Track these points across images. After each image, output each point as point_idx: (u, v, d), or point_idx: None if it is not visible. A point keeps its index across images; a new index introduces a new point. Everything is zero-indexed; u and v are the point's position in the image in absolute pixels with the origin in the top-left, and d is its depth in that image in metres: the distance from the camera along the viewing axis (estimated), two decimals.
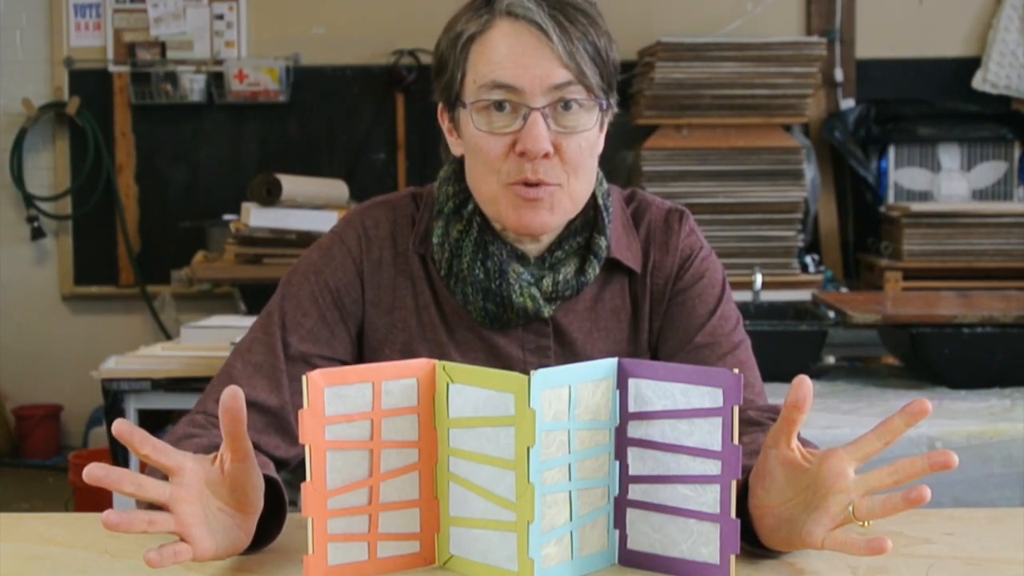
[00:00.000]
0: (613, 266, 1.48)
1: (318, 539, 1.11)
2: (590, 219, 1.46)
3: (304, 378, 1.10)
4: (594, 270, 1.44)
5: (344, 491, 1.13)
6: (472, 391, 1.12)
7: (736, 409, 1.09)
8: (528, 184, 1.36)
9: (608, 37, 1.37)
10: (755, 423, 1.40)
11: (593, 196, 1.46)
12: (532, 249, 1.45)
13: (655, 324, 1.49)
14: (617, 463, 1.16)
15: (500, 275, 1.41)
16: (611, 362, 1.15)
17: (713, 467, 1.11)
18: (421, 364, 1.16)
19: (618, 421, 1.16)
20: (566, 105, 1.34)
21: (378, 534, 1.15)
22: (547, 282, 1.43)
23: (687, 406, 1.12)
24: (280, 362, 1.42)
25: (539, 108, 1.33)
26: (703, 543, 1.13)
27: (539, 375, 1.06)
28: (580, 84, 1.34)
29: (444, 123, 1.46)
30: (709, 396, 1.11)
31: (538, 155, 1.34)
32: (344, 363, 1.45)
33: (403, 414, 1.15)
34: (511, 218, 1.38)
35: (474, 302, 1.43)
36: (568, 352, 1.46)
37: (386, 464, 1.15)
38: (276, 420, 1.40)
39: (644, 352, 1.49)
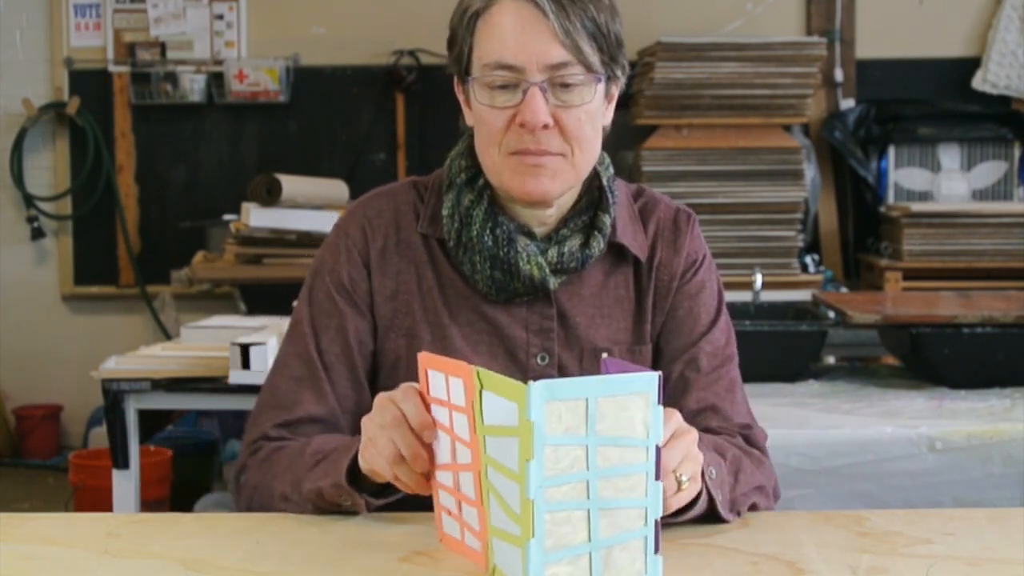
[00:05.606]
0: (619, 255, 1.51)
1: (436, 504, 1.20)
2: (595, 199, 1.50)
3: (419, 357, 1.17)
4: (598, 244, 1.47)
5: (442, 468, 1.17)
6: (496, 399, 1.07)
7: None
8: (530, 153, 1.39)
9: (610, 11, 1.41)
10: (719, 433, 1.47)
11: (598, 177, 1.50)
12: (539, 230, 1.48)
13: (657, 318, 1.52)
14: (660, 484, 1.08)
15: (508, 243, 1.45)
16: (651, 376, 1.06)
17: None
18: (468, 366, 1.11)
19: (660, 439, 1.07)
20: (562, 83, 1.38)
21: (463, 520, 1.15)
22: (553, 252, 1.46)
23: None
24: (319, 370, 1.47)
25: (537, 83, 1.37)
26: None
27: (539, 386, 1.01)
28: (577, 62, 1.38)
29: (459, 94, 1.49)
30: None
31: (536, 127, 1.38)
32: (374, 352, 1.50)
33: (460, 412, 1.13)
34: (514, 185, 1.42)
35: (481, 271, 1.46)
36: (571, 336, 1.48)
37: (460, 456, 1.14)
38: (328, 427, 1.46)
39: (646, 342, 1.51)
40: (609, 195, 1.49)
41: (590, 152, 1.44)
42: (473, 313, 1.48)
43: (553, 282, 1.46)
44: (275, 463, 1.42)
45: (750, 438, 1.47)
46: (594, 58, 1.39)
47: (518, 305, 1.48)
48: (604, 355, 1.30)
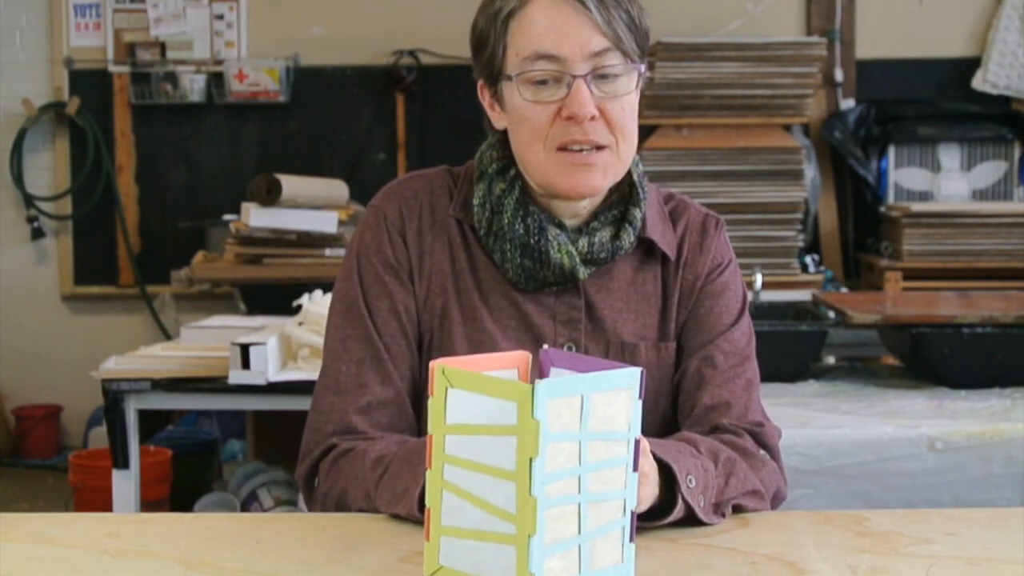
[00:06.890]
0: (648, 252, 1.53)
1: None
2: (626, 194, 1.52)
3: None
4: (628, 236, 1.49)
5: None
6: (471, 397, 1.07)
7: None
8: (577, 147, 1.41)
9: (639, 5, 1.44)
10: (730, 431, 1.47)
11: (629, 173, 1.52)
12: (571, 223, 1.50)
13: (681, 317, 1.54)
14: (636, 475, 1.11)
15: (539, 231, 1.46)
16: (634, 371, 1.10)
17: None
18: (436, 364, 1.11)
19: (639, 432, 1.11)
20: (605, 74, 1.41)
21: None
22: (583, 243, 1.48)
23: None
24: (380, 350, 1.48)
25: (582, 75, 1.39)
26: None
27: (544, 385, 1.02)
28: (618, 50, 1.40)
29: (484, 99, 1.50)
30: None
31: (585, 119, 1.40)
32: (420, 328, 1.51)
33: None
34: (562, 182, 1.43)
35: (511, 259, 1.47)
36: (598, 329, 1.50)
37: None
38: (397, 409, 1.46)
39: (670, 339, 1.53)
40: (640, 190, 1.51)
41: (632, 142, 1.47)
42: (503, 299, 1.49)
43: (583, 272, 1.48)
44: (343, 471, 1.42)
45: (760, 436, 1.48)
46: (631, 46, 1.42)
47: (547, 295, 1.50)
48: (544, 347, 1.32)
